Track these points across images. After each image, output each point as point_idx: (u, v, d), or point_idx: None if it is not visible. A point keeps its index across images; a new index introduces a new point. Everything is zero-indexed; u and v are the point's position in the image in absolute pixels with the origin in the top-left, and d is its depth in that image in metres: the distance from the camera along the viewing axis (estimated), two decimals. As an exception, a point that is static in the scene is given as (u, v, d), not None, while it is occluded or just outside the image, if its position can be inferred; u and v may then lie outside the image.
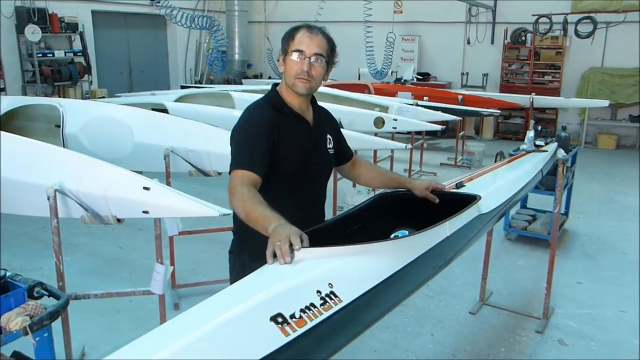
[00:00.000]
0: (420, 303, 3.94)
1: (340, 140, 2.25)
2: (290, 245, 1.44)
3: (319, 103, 2.26)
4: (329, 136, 2.15)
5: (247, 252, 2.04)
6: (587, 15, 9.59)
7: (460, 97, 8.82)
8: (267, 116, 1.97)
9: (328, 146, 2.14)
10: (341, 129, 2.34)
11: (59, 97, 9.31)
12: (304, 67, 1.93)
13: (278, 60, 2.06)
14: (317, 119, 2.12)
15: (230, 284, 2.04)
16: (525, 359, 3.36)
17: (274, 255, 1.45)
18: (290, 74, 1.96)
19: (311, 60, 1.93)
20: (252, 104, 2.07)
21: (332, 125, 2.23)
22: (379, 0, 10.08)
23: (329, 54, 2.00)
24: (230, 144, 1.97)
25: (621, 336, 3.60)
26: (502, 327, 3.72)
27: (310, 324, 1.27)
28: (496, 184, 2.73)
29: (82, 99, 9.59)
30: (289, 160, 1.97)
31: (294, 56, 1.94)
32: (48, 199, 2.69)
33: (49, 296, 2.18)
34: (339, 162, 2.30)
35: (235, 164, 1.87)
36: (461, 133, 9.05)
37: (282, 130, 1.96)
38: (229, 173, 1.89)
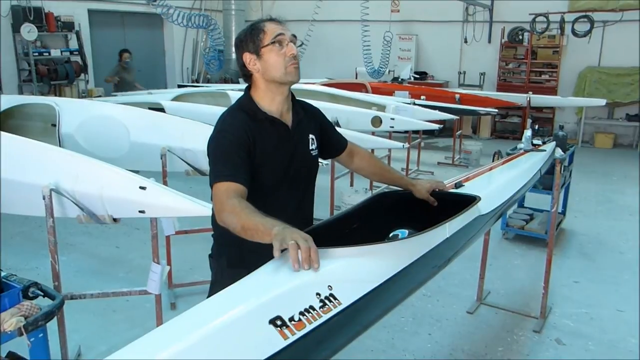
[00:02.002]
0: (417, 302, 3.93)
1: (326, 135, 2.14)
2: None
3: (314, 102, 2.22)
4: (311, 136, 2.03)
5: (225, 257, 2.03)
6: (584, 14, 9.61)
7: (457, 96, 8.85)
8: (240, 123, 1.86)
9: (310, 147, 2.02)
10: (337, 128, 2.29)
11: (55, 96, 9.28)
12: (293, 52, 1.84)
13: (244, 66, 1.90)
14: (296, 120, 1.98)
15: (210, 286, 2.07)
16: (522, 359, 3.35)
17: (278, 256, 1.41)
18: (279, 66, 1.84)
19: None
20: (225, 111, 1.96)
21: (315, 122, 2.09)
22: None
23: None
24: (208, 157, 1.87)
25: (618, 335, 3.59)
26: (499, 327, 3.72)
27: (309, 327, 1.26)
28: (495, 184, 2.72)
29: (79, 98, 9.57)
30: (268, 167, 1.87)
31: (277, 45, 1.83)
32: (44, 199, 2.67)
33: (44, 296, 2.17)
34: (331, 155, 2.23)
35: (217, 177, 1.76)
36: (458, 132, 9.04)
37: (258, 138, 1.85)
38: (211, 187, 1.77)
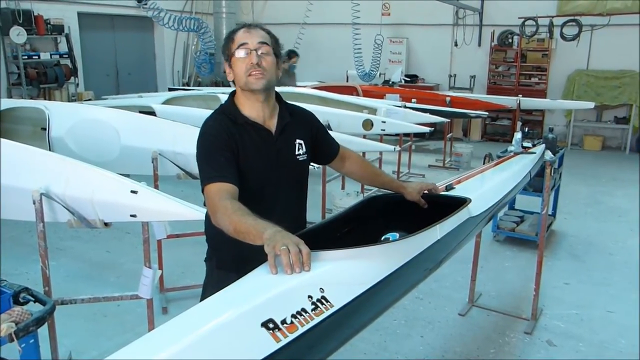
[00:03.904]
0: (409, 305, 3.94)
1: (318, 141, 2.12)
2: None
3: (305, 105, 2.20)
4: (298, 141, 2.00)
5: (215, 259, 2.06)
6: (572, 18, 9.71)
7: (448, 99, 8.90)
8: (222, 126, 1.88)
9: (297, 153, 2.00)
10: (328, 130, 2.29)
11: (45, 99, 9.21)
12: (252, 60, 1.84)
13: (224, 72, 1.96)
14: (281, 125, 1.97)
15: (202, 289, 2.09)
16: (514, 360, 3.38)
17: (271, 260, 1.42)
18: (241, 74, 1.87)
19: (258, 52, 1.85)
20: (208, 116, 1.98)
21: (305, 127, 2.07)
22: (367, 1, 10.10)
23: (274, 45, 1.92)
24: (197, 161, 1.89)
25: (608, 336, 3.62)
26: (491, 329, 3.73)
27: (301, 330, 1.26)
28: (486, 186, 2.74)
29: (69, 101, 9.51)
30: (250, 171, 1.88)
31: (240, 54, 1.85)
32: (34, 203, 2.65)
33: (35, 302, 2.15)
34: (322, 161, 2.23)
35: (206, 179, 1.78)
36: (449, 135, 9.08)
37: (240, 141, 1.87)
38: (202, 191, 1.79)
